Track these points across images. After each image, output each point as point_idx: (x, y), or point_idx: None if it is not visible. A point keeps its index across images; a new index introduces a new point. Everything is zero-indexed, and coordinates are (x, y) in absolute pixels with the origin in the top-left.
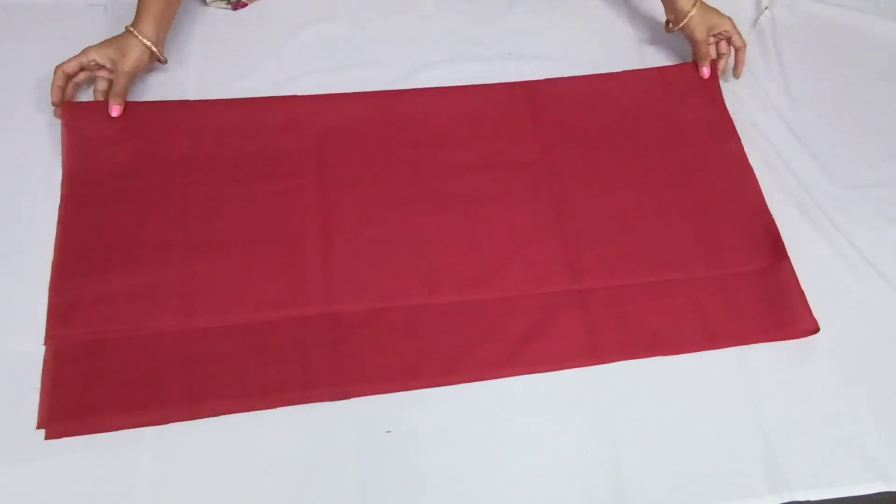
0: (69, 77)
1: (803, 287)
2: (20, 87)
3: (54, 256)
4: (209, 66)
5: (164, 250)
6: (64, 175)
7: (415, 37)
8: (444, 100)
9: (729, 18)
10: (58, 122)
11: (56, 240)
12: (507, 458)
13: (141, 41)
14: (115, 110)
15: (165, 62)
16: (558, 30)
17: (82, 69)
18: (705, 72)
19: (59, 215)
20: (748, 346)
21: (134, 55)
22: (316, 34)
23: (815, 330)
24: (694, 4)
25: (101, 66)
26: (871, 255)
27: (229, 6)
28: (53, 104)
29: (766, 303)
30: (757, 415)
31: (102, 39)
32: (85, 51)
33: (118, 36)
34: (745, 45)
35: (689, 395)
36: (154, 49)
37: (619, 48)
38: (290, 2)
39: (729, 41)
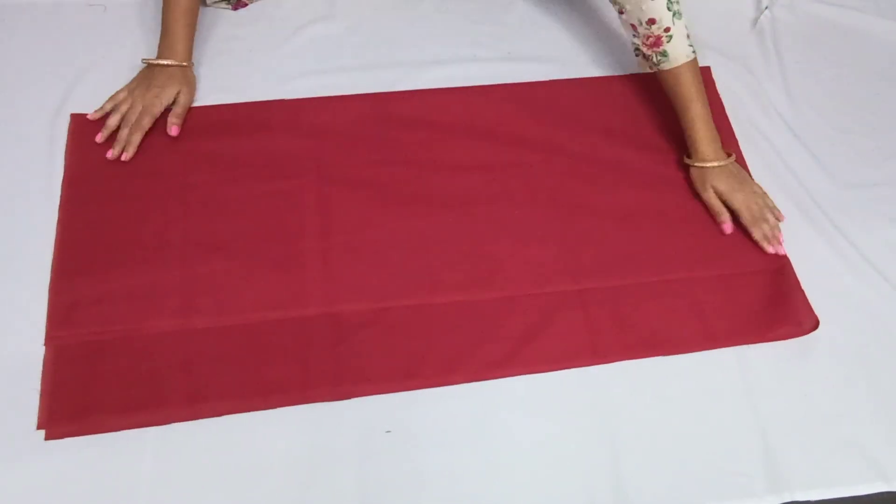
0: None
1: (803, 287)
2: (20, 87)
3: (54, 257)
4: (209, 66)
5: (163, 251)
6: (64, 176)
7: (414, 37)
8: (443, 101)
9: (743, 195)
10: (57, 124)
11: (56, 240)
12: (507, 457)
13: (192, 70)
14: (175, 130)
15: None
16: (557, 30)
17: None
18: (725, 228)
19: (59, 216)
20: (748, 346)
21: (194, 86)
22: (316, 34)
23: (816, 326)
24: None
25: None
26: (870, 255)
27: (229, 6)
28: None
29: (765, 302)
30: (757, 415)
31: (102, 40)
32: (153, 104)
33: (180, 73)
34: (756, 227)
35: (689, 395)
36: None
37: (617, 49)
38: (290, 2)
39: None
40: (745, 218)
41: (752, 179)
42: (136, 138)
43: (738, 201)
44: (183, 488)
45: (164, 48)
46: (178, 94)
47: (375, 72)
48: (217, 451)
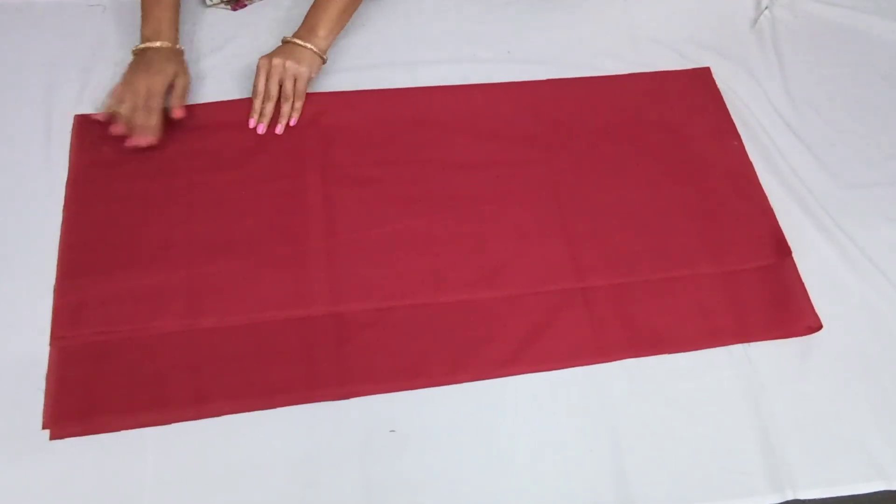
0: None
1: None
2: (21, 87)
3: (59, 258)
4: (209, 66)
5: (168, 251)
6: (69, 177)
7: (415, 36)
8: (447, 99)
9: None
10: (58, 123)
11: (61, 241)
12: (510, 456)
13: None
14: (180, 113)
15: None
16: (557, 31)
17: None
18: None
19: (64, 216)
20: (749, 345)
21: (188, 69)
22: None
23: (818, 327)
24: None
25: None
26: (871, 255)
27: (229, 6)
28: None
29: (769, 300)
30: (758, 414)
31: (102, 41)
32: (155, 83)
33: (174, 56)
34: None
35: (691, 394)
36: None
37: (617, 49)
38: (290, 2)
39: None
40: None
41: None
42: (154, 119)
43: None
44: (186, 488)
45: (150, 32)
46: (175, 75)
47: (375, 71)
48: (221, 450)
